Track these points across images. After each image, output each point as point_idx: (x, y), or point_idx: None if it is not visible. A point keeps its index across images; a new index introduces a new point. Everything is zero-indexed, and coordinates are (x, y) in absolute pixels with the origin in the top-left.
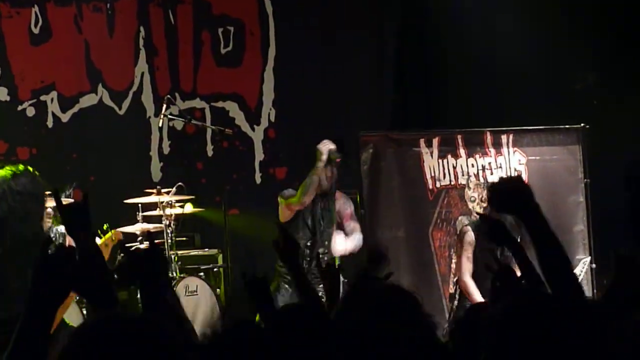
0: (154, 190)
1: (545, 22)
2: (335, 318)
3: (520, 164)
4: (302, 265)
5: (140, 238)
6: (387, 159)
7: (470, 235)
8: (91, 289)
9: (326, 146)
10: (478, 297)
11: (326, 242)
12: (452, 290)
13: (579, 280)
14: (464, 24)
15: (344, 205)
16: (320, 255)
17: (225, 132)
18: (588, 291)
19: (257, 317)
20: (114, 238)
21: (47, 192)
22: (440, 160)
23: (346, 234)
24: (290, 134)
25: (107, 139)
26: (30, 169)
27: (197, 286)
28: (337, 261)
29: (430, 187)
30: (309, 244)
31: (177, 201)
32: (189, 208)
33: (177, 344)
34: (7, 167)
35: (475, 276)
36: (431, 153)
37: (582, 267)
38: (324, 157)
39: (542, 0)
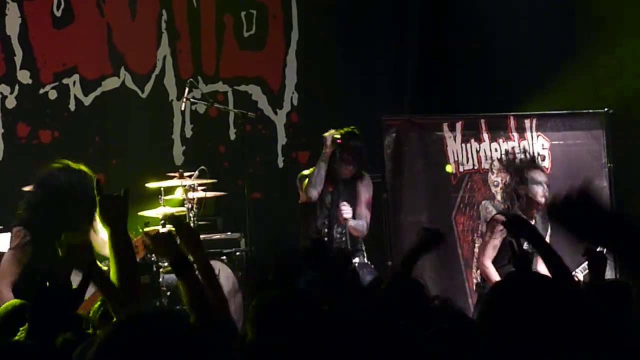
0: (176, 174)
1: (571, 4)
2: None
3: (543, 148)
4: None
5: (162, 222)
6: (410, 143)
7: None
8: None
9: (330, 134)
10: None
11: (343, 225)
12: (478, 279)
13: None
14: (487, 7)
15: (364, 188)
16: (337, 237)
17: (247, 115)
18: (610, 275)
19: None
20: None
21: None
22: (463, 145)
23: (353, 217)
24: (313, 118)
25: (129, 122)
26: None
27: (219, 270)
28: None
29: (454, 171)
30: (325, 222)
31: (200, 185)
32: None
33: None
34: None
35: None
36: (454, 137)
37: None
38: (328, 143)
39: None
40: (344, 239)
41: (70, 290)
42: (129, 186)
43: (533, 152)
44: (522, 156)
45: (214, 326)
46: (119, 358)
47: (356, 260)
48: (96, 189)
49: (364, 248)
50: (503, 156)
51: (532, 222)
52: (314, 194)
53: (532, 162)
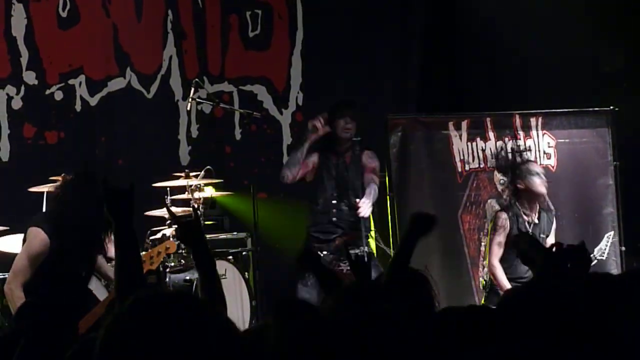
0: (182, 174)
1: (575, 3)
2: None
3: (549, 146)
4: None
5: (168, 222)
6: (415, 142)
7: (503, 220)
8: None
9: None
10: (504, 281)
11: (353, 196)
12: (485, 278)
13: (604, 255)
14: (492, 6)
15: (369, 159)
16: (346, 213)
17: (253, 115)
18: (617, 272)
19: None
20: (168, 246)
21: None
22: (469, 143)
23: (362, 184)
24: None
25: (135, 123)
26: None
27: (225, 270)
28: (370, 248)
29: (459, 170)
30: (335, 194)
31: (206, 185)
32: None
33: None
34: None
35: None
36: (460, 136)
37: (607, 242)
38: (319, 125)
39: None
40: (352, 219)
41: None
42: (134, 182)
43: (521, 147)
44: (510, 153)
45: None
46: (132, 338)
47: (359, 250)
48: (102, 184)
49: (373, 229)
50: (492, 158)
51: (536, 218)
52: (288, 176)
53: (521, 156)
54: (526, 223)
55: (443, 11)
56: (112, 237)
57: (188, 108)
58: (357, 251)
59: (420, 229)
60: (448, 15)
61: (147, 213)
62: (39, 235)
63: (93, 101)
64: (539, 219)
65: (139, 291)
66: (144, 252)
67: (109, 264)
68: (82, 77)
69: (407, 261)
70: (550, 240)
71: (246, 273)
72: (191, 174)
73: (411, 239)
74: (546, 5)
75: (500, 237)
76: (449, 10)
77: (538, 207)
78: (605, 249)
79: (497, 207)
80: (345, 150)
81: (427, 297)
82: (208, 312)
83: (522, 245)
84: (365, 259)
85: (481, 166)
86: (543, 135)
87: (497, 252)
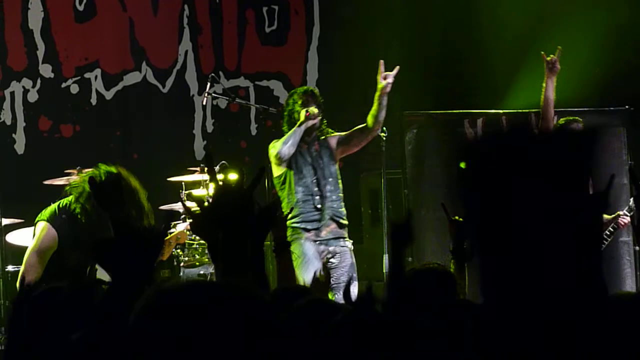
0: (198, 169)
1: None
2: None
3: None
4: None
5: (183, 216)
6: (431, 139)
7: None
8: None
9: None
10: None
11: (330, 179)
12: None
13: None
14: (506, 7)
15: (334, 139)
16: (329, 194)
17: (269, 111)
18: (631, 274)
19: None
20: (179, 237)
21: None
22: None
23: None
24: (333, 113)
25: (150, 117)
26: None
27: None
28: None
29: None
30: (314, 180)
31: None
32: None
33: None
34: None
35: None
36: (475, 134)
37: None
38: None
39: None
40: (334, 197)
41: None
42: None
43: None
44: None
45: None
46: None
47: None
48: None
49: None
50: None
51: None
52: (288, 151)
53: None
54: None
55: (459, 10)
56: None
57: (204, 103)
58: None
59: (397, 241)
60: (464, 14)
61: (162, 207)
62: (48, 231)
63: (109, 95)
64: None
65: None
66: None
67: None
68: (97, 71)
69: (400, 272)
70: None
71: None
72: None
73: (394, 251)
74: (562, 5)
75: None
76: (465, 10)
77: None
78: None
79: None
80: (313, 139)
81: (452, 293)
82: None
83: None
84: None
85: None
86: None
87: None
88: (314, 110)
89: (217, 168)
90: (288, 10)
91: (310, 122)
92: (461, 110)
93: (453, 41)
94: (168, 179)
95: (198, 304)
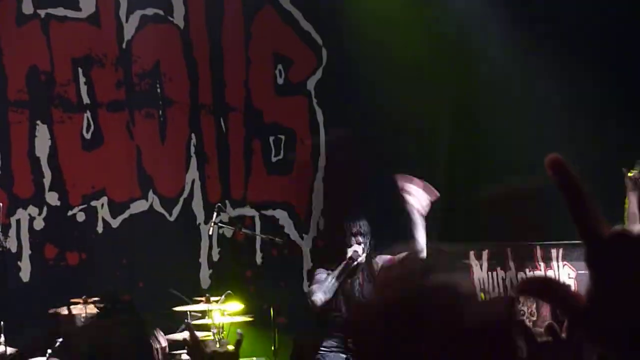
0: (203, 298)
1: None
2: None
3: (569, 277)
4: None
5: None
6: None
7: None
8: None
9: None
10: None
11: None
12: None
13: None
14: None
15: (378, 259)
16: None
17: (275, 241)
18: None
19: None
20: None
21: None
22: (489, 273)
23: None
24: (338, 244)
25: (157, 245)
26: None
27: None
28: None
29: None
30: (343, 309)
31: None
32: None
33: None
34: None
35: None
36: (481, 265)
37: None
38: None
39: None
40: None
41: None
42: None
43: None
44: None
45: None
46: None
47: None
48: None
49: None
50: None
51: None
52: (322, 299)
53: None
54: None
55: (466, 131)
56: None
57: (210, 232)
58: None
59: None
60: (472, 140)
61: (169, 337)
62: None
63: (115, 223)
64: None
65: None
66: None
67: None
68: (104, 199)
69: None
70: None
71: None
72: (212, 298)
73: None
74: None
75: None
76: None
77: None
78: None
79: None
80: (355, 272)
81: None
82: None
83: None
84: None
85: (501, 295)
86: (563, 266)
87: None
88: (357, 250)
89: (222, 297)
90: (294, 139)
91: (354, 264)
92: (467, 243)
93: (459, 168)
94: (174, 309)
95: None
